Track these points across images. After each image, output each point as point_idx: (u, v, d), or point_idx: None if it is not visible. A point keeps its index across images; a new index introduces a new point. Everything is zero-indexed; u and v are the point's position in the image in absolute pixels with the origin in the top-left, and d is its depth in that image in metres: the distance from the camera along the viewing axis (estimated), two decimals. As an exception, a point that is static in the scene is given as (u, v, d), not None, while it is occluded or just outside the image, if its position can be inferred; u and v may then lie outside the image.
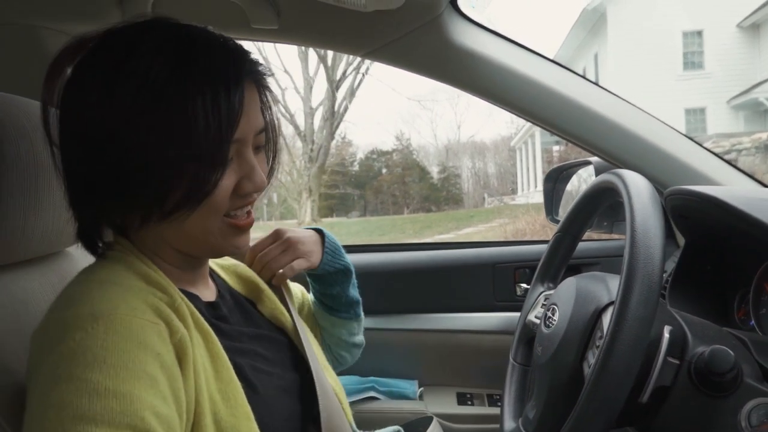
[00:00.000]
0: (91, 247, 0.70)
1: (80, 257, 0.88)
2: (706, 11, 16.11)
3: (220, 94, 0.63)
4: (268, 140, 0.75)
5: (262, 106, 0.72)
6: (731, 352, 0.65)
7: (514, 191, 22.92)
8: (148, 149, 0.62)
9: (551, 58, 1.17)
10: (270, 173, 0.78)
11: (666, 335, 0.67)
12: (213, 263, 0.87)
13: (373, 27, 1.04)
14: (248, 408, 0.67)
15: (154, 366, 0.59)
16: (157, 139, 0.62)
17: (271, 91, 0.75)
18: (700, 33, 16.78)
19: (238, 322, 0.78)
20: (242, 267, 0.91)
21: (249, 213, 0.72)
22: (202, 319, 0.68)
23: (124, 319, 0.59)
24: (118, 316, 0.59)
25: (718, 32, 16.46)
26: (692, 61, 16.99)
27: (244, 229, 0.71)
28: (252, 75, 0.69)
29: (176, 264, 0.72)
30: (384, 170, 26.94)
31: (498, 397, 1.43)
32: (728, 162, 1.15)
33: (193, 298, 0.72)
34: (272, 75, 0.74)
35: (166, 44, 0.64)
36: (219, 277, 0.85)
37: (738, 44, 16.60)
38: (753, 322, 0.89)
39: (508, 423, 0.91)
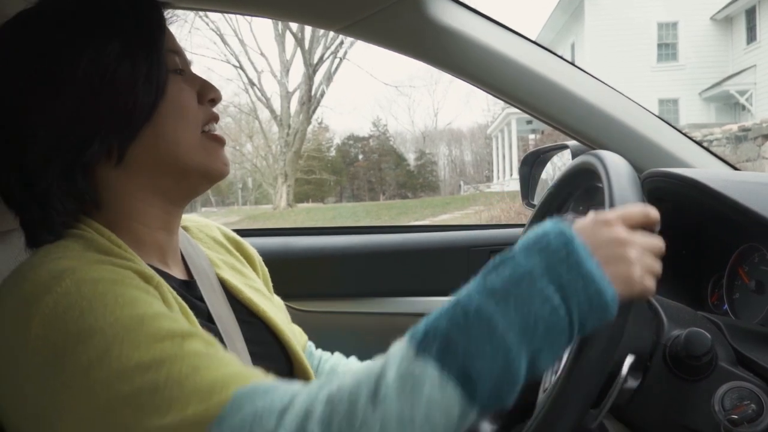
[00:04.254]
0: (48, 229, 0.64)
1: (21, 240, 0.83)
2: (681, 3, 16.30)
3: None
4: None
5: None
6: (708, 334, 0.65)
7: (489, 179, 23.07)
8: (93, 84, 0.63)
9: (532, 39, 1.15)
10: None
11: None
12: (192, 228, 0.84)
13: (348, 0, 1.01)
14: None
15: (144, 295, 0.57)
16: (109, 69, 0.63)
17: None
18: (674, 24, 17.00)
19: (215, 303, 0.74)
20: (216, 230, 0.88)
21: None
22: (175, 293, 0.65)
23: (91, 269, 0.56)
24: (81, 268, 0.56)
25: (693, 24, 16.68)
26: (666, 52, 17.21)
27: (222, 142, 0.72)
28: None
29: (153, 224, 0.69)
30: (360, 156, 26.88)
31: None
32: (704, 147, 1.15)
33: (165, 276, 0.68)
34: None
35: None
36: (197, 254, 0.79)
37: (711, 37, 16.85)
38: (726, 306, 0.89)
39: None
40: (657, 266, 0.56)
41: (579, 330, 0.52)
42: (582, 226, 0.55)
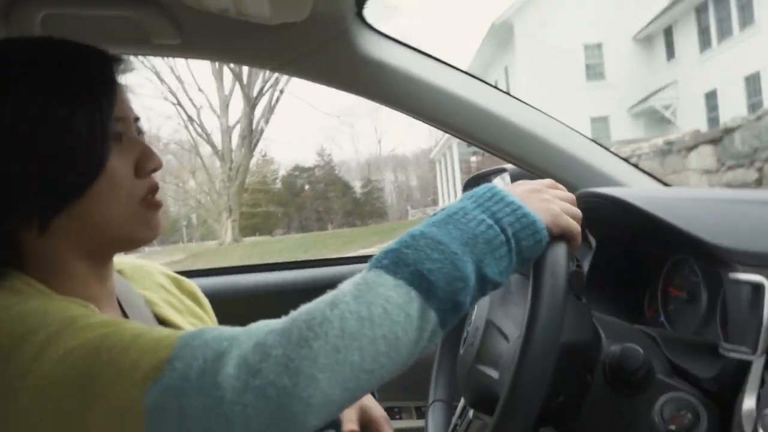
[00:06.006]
0: None
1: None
2: (603, 25, 17.09)
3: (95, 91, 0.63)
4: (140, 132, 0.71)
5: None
6: (640, 349, 0.66)
7: (435, 202, 23.32)
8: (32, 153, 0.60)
9: (463, 69, 1.18)
10: None
11: None
12: (126, 271, 0.81)
13: (281, 40, 1.02)
14: None
15: (77, 307, 0.58)
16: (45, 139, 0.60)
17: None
18: (599, 46, 17.79)
19: None
20: (153, 269, 0.86)
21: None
22: None
23: (19, 302, 0.56)
24: (7, 302, 0.56)
25: (616, 45, 17.51)
26: (595, 72, 17.98)
27: (159, 207, 0.69)
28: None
29: (84, 279, 0.66)
30: (307, 187, 26.79)
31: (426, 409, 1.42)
32: (634, 165, 1.20)
33: None
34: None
35: (29, 65, 0.62)
36: (132, 296, 0.77)
37: (634, 55, 17.72)
38: (662, 318, 0.93)
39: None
40: (575, 210, 0.64)
41: (516, 247, 0.58)
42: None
